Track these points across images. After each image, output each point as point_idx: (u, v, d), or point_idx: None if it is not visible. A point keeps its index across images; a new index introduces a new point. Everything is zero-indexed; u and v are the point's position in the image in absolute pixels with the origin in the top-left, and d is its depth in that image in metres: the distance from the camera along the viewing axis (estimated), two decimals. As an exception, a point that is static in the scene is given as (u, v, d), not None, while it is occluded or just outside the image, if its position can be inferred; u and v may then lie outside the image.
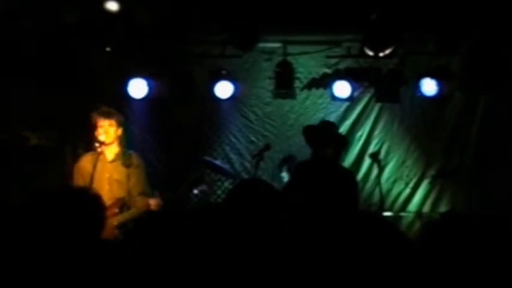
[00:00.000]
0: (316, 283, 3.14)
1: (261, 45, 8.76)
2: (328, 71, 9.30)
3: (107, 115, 6.54)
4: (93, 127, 6.53)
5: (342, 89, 9.00)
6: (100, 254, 3.18)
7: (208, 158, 8.79)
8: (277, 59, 9.09)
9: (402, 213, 8.86)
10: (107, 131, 6.51)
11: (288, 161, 8.75)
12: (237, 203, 3.65)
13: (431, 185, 9.07)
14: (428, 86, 8.71)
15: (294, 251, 3.34)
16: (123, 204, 6.52)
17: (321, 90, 9.38)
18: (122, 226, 6.43)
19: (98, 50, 8.50)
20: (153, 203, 6.52)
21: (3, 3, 7.53)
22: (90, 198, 3.31)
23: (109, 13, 7.90)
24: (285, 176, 8.66)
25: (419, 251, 2.85)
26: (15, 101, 8.13)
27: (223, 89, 8.94)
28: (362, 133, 9.30)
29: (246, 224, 3.52)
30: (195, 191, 7.77)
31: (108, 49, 8.48)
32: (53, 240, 3.07)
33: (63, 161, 7.86)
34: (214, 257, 3.34)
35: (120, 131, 6.64)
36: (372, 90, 9.26)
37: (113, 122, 6.55)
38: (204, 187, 7.78)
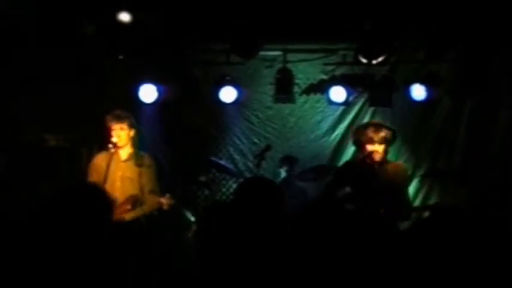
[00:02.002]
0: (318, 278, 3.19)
1: (263, 53, 8.85)
2: (325, 77, 9.35)
3: (119, 119, 6.55)
4: (107, 129, 6.58)
5: (338, 93, 9.03)
6: (109, 244, 3.24)
7: (213, 158, 8.85)
8: (278, 66, 9.16)
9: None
10: (119, 135, 6.52)
11: (287, 159, 8.86)
12: (247, 198, 3.74)
13: (421, 184, 9.12)
14: (418, 92, 8.75)
15: (298, 245, 3.38)
16: (135, 201, 6.56)
17: (318, 95, 9.43)
18: (134, 222, 6.48)
19: (112, 58, 8.57)
20: (165, 202, 6.55)
21: (20, 12, 7.61)
22: (95, 192, 3.38)
23: (121, 24, 7.98)
24: (283, 172, 8.78)
25: (411, 243, 2.89)
26: (35, 106, 8.20)
27: (228, 94, 9.00)
28: (357, 135, 9.33)
29: (255, 217, 3.61)
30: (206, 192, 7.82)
31: (120, 57, 8.55)
32: (66, 234, 3.14)
33: (79, 160, 7.92)
34: (226, 251, 3.41)
35: (132, 133, 6.65)
36: (365, 95, 9.30)
37: (124, 125, 6.56)
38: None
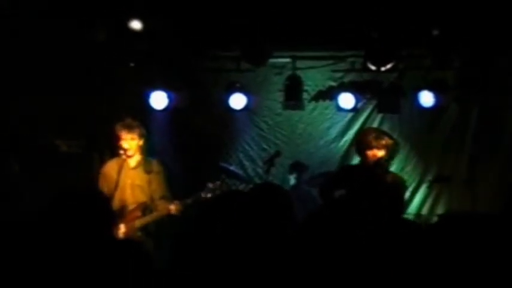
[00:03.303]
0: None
1: (272, 60, 8.85)
2: (333, 84, 9.33)
3: (130, 129, 6.49)
4: (116, 137, 6.53)
5: (347, 100, 9.03)
6: (108, 251, 3.19)
7: (223, 164, 8.81)
8: (287, 73, 9.14)
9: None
10: (129, 144, 6.48)
11: (296, 166, 8.83)
12: (255, 203, 3.69)
13: (429, 189, 9.04)
14: (426, 98, 8.72)
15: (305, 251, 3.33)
16: (145, 208, 6.53)
17: (327, 102, 9.39)
18: (143, 228, 6.45)
19: (123, 65, 8.57)
20: (173, 208, 6.48)
21: (36, 20, 7.62)
22: (91, 198, 3.33)
23: (133, 31, 7.97)
24: (292, 179, 8.75)
25: (419, 248, 2.85)
26: (47, 112, 8.20)
27: (238, 101, 9.00)
28: (365, 141, 9.29)
29: (262, 222, 3.56)
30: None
31: (132, 64, 8.56)
32: (63, 238, 3.10)
33: (91, 166, 7.90)
34: (232, 257, 3.36)
35: (141, 142, 6.60)
36: (374, 102, 9.25)
37: (135, 135, 6.50)
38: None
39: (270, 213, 3.66)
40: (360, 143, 6.44)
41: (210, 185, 6.81)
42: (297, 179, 8.78)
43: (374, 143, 6.15)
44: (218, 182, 6.89)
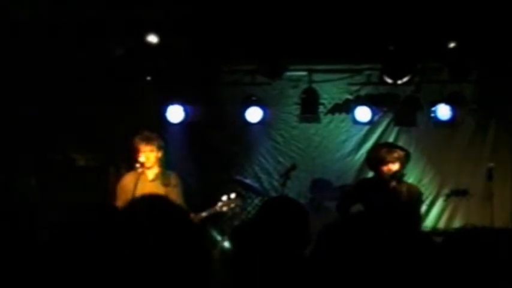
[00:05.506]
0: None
1: (288, 73, 8.91)
2: (350, 97, 9.34)
3: (148, 141, 6.50)
4: (135, 150, 6.57)
5: (363, 113, 9.05)
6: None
7: (239, 177, 8.82)
8: (303, 86, 9.16)
9: (419, 228, 8.79)
10: (148, 156, 6.47)
11: (316, 184, 8.84)
12: (268, 217, 3.70)
13: (446, 203, 9.01)
14: (443, 111, 8.73)
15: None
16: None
17: (343, 115, 9.41)
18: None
19: (140, 79, 8.63)
20: None
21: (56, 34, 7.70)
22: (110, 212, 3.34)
23: (149, 45, 8.03)
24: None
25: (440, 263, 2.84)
26: (65, 126, 8.26)
27: (254, 114, 9.05)
28: (381, 154, 9.27)
29: (276, 237, 3.57)
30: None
31: (148, 78, 8.61)
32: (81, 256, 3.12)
33: (107, 180, 7.94)
34: (242, 271, 3.37)
35: (160, 154, 6.61)
36: (390, 115, 9.26)
37: (154, 147, 6.51)
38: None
39: (284, 228, 3.67)
40: (373, 159, 6.49)
41: (225, 198, 6.82)
42: (321, 194, 8.82)
43: (388, 158, 6.22)
44: (233, 195, 6.90)
